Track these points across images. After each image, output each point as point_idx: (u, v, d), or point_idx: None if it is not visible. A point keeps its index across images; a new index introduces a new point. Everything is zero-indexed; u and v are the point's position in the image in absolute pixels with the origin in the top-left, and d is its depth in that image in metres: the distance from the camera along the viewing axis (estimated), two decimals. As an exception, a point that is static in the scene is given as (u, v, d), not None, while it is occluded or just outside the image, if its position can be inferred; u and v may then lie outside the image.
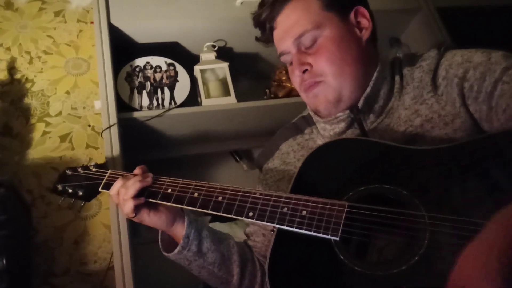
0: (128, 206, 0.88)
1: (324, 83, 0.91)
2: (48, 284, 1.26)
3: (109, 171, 0.99)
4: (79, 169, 1.03)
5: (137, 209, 0.88)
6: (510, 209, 0.57)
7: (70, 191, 1.00)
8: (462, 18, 1.70)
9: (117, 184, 0.90)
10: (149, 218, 0.91)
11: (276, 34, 0.96)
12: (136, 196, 0.88)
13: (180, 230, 0.93)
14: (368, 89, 0.91)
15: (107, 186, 0.95)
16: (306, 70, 0.92)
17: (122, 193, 0.89)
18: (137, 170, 0.94)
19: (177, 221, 0.93)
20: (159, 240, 0.96)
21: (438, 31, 1.67)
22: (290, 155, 1.03)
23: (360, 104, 0.91)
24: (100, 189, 0.96)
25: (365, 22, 0.94)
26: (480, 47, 0.87)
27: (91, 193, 0.98)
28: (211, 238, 0.96)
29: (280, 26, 0.94)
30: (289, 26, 0.92)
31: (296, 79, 0.95)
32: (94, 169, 1.01)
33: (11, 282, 1.04)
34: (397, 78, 0.94)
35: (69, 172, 1.03)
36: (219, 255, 0.96)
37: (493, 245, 0.53)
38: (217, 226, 1.53)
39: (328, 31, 0.90)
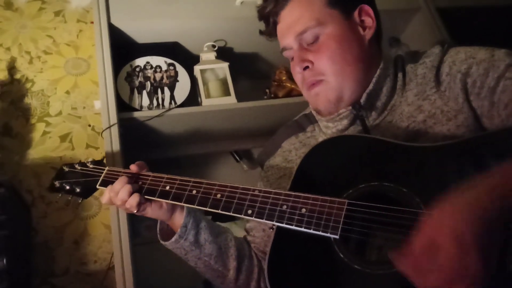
0: (126, 207, 0.89)
1: (325, 82, 0.91)
2: (48, 284, 1.25)
3: (107, 168, 0.99)
4: (77, 166, 1.03)
5: (139, 205, 0.89)
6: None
7: (68, 187, 1.00)
8: (462, 18, 1.70)
9: (107, 193, 0.92)
10: (151, 211, 0.92)
11: (279, 29, 0.96)
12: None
13: (178, 220, 0.94)
14: (371, 86, 0.90)
15: (105, 183, 0.95)
16: (307, 67, 0.92)
17: (113, 197, 0.90)
18: (133, 167, 0.94)
19: (176, 211, 0.94)
20: (158, 230, 0.97)
21: (438, 31, 1.67)
22: (292, 152, 1.04)
23: (362, 100, 0.90)
24: (97, 186, 0.97)
25: (369, 21, 0.94)
26: (482, 46, 0.88)
27: (89, 190, 0.98)
28: (209, 230, 0.97)
29: (284, 21, 0.94)
30: (292, 22, 0.92)
31: (297, 76, 0.95)
32: (91, 166, 1.01)
33: (11, 282, 1.04)
34: (399, 75, 0.94)
35: (66, 169, 1.03)
36: (216, 248, 0.96)
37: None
38: (217, 226, 1.52)
39: (330, 29, 0.90)
